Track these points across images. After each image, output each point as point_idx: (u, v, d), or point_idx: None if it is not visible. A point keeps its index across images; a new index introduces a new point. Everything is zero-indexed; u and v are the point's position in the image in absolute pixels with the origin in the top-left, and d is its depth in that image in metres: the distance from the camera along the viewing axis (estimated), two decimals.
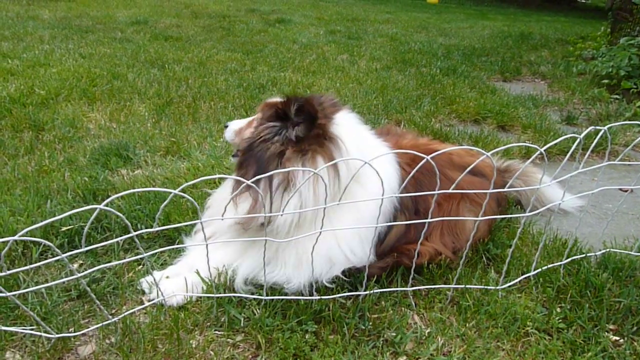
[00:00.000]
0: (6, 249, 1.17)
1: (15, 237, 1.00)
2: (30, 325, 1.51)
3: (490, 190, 1.45)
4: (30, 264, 1.62)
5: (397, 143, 1.96)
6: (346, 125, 1.67)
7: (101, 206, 1.01)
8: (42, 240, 1.05)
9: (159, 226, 1.98)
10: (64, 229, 1.93)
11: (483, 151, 1.39)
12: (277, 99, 1.71)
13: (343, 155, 1.56)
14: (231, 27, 7.57)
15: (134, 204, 2.18)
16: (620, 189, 2.73)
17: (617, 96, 4.55)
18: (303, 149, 1.56)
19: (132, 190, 1.11)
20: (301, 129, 1.56)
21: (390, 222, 1.69)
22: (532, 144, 3.24)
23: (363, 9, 11.65)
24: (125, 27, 6.96)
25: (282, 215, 1.50)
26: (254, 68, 5.08)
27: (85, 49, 5.41)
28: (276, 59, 5.49)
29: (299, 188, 1.50)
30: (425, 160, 1.27)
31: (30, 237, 1.90)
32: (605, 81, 4.84)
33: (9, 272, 1.08)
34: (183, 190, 2.01)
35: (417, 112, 3.78)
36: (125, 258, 1.84)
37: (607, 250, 1.91)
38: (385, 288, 1.72)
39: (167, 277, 1.72)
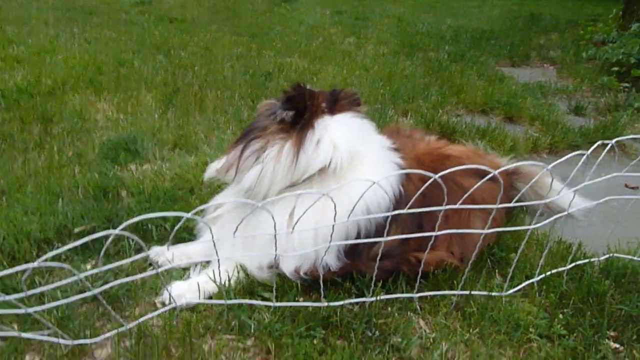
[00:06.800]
0: (27, 275, 1.20)
1: (34, 264, 1.03)
2: (48, 329, 1.56)
3: (498, 206, 1.47)
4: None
5: (414, 149, 1.95)
6: (344, 127, 1.74)
7: (116, 231, 1.04)
8: (66, 265, 1.09)
9: (170, 227, 2.02)
10: (76, 230, 1.96)
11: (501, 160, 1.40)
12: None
13: (314, 148, 1.67)
14: (236, 7, 7.48)
15: (144, 201, 2.22)
16: (627, 186, 2.73)
17: (626, 84, 4.50)
18: (283, 129, 1.72)
19: (142, 217, 1.13)
20: (286, 114, 1.72)
21: (370, 232, 1.70)
22: (539, 136, 3.25)
23: None
24: (130, 8, 6.90)
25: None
26: (259, 53, 5.04)
27: (90, 33, 5.38)
28: (282, 43, 5.45)
29: (264, 160, 1.69)
30: (432, 179, 1.28)
31: (43, 238, 1.95)
32: (615, 68, 4.78)
33: (29, 292, 1.12)
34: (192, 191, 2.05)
35: (425, 103, 3.76)
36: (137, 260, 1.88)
37: (611, 255, 1.93)
38: (391, 293, 1.75)
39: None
